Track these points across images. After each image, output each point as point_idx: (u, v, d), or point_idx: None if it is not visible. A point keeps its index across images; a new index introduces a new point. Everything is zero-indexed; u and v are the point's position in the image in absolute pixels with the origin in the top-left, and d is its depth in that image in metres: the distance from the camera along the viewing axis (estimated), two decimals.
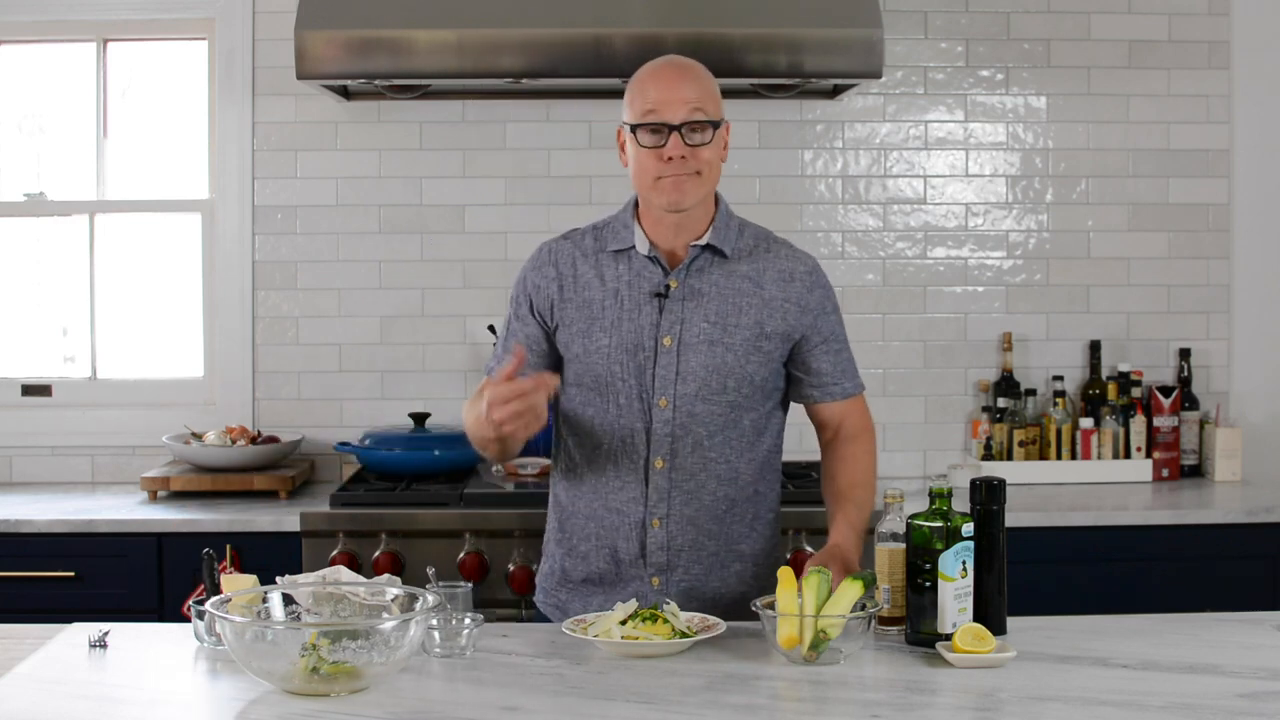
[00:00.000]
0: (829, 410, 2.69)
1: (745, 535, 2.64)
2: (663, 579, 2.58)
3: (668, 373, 2.56)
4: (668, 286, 2.58)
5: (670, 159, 2.50)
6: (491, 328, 4.01)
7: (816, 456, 4.09)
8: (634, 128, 2.53)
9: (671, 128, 2.49)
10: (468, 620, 2.24)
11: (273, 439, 3.97)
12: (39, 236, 4.27)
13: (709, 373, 2.56)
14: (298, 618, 2.20)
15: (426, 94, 3.99)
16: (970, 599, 2.27)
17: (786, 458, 4.08)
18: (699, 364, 2.56)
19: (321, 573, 2.30)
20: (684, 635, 2.25)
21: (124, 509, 3.69)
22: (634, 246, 2.60)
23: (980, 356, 4.19)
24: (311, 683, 2.02)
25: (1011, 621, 2.36)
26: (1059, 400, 4.06)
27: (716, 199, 2.65)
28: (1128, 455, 4.05)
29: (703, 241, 2.59)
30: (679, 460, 2.57)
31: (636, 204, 2.63)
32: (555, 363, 2.67)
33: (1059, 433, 4.04)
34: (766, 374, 2.60)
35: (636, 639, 2.23)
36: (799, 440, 4.14)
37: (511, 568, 3.46)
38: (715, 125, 2.53)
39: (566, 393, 2.66)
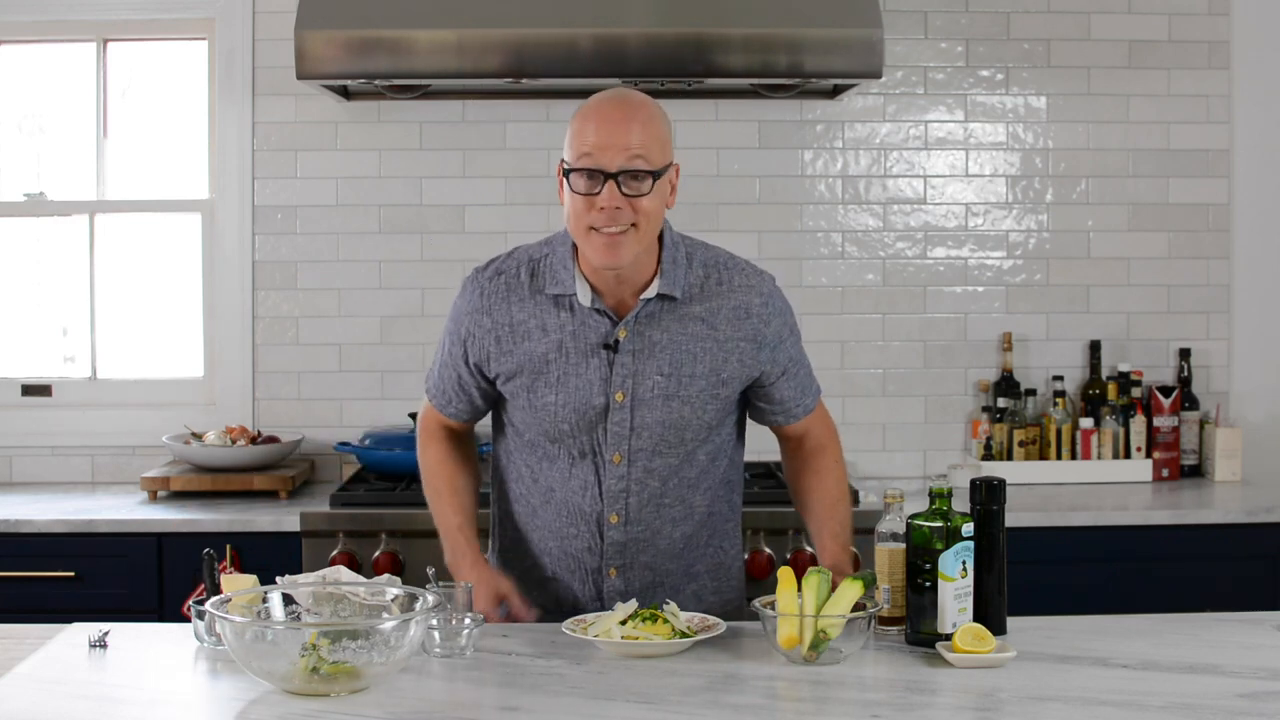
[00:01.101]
0: (792, 428, 2.61)
1: (701, 556, 2.59)
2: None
3: (621, 429, 2.44)
4: (617, 339, 2.42)
5: (603, 209, 2.30)
6: None
7: None
8: (568, 171, 2.34)
9: (608, 175, 2.30)
10: (468, 620, 2.24)
11: (273, 439, 3.97)
12: (39, 236, 4.27)
13: (665, 429, 2.45)
14: (298, 618, 2.20)
15: (426, 94, 3.99)
16: (970, 599, 2.27)
17: (775, 458, 4.11)
18: (654, 420, 2.44)
19: (321, 573, 2.30)
20: (684, 635, 2.25)
21: (124, 509, 3.69)
22: (575, 294, 2.42)
23: (980, 356, 4.19)
24: (311, 683, 2.02)
25: (1011, 621, 2.36)
26: (1059, 400, 4.06)
27: (662, 233, 2.45)
28: (1128, 455, 4.05)
29: (652, 293, 2.41)
30: (634, 514, 2.49)
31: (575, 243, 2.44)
32: (488, 400, 2.57)
33: (1059, 433, 4.04)
34: (726, 415, 2.52)
35: (636, 639, 2.23)
36: None
37: None
38: (656, 175, 2.32)
39: (517, 425, 2.53)
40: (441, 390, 2.61)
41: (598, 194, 2.31)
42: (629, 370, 2.43)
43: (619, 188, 2.31)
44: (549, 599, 2.56)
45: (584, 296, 2.43)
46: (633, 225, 2.33)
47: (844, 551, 2.52)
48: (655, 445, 2.46)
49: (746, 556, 3.47)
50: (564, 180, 2.37)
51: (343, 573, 2.33)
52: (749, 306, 2.47)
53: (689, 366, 2.44)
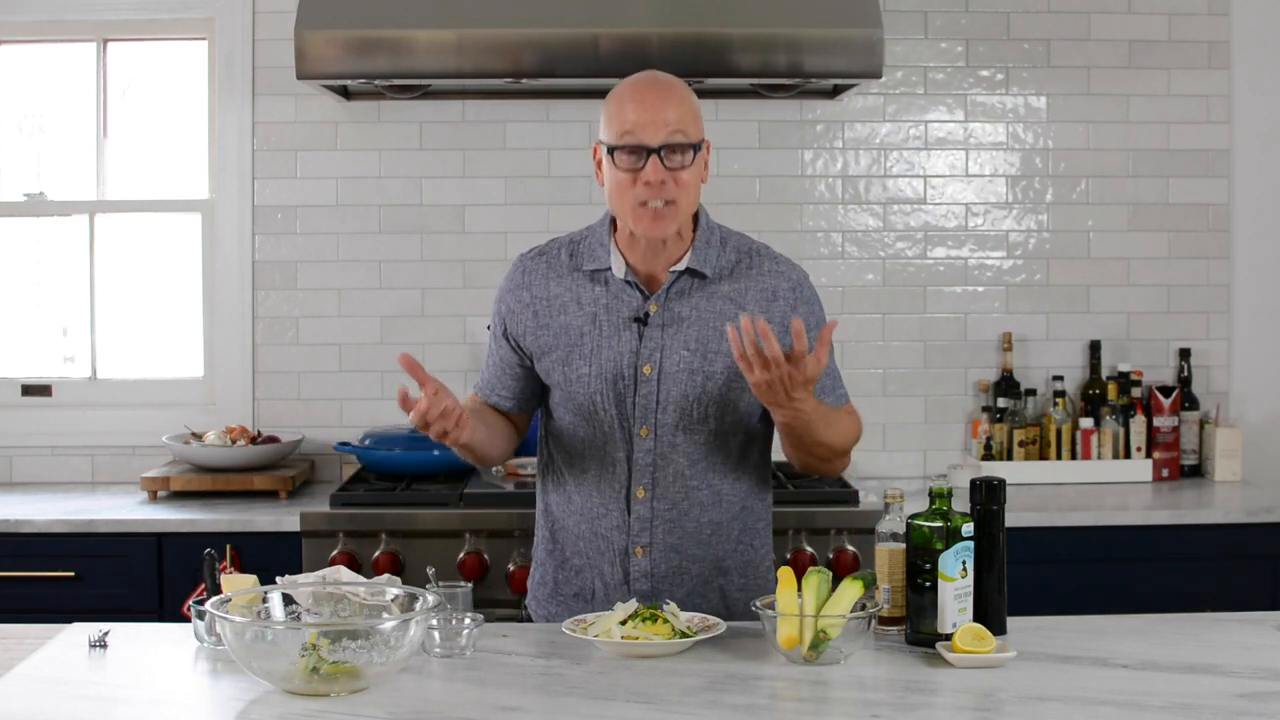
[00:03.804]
0: None
1: (731, 552, 2.60)
2: (646, 603, 2.53)
3: (648, 402, 2.50)
4: (647, 312, 2.51)
5: (649, 183, 2.41)
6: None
7: None
8: (611, 149, 2.44)
9: (650, 150, 2.41)
10: (468, 620, 2.24)
11: (273, 439, 3.97)
12: (39, 236, 4.27)
13: (689, 403, 2.50)
14: (298, 618, 2.20)
15: (426, 94, 3.99)
16: (970, 599, 2.27)
17: (775, 457, 4.11)
18: (679, 394, 2.49)
19: (321, 573, 2.30)
20: (684, 635, 2.25)
21: (124, 509, 3.69)
22: (610, 268, 2.53)
23: (980, 356, 4.19)
24: (311, 683, 2.02)
25: (1011, 621, 2.36)
26: (1059, 400, 4.06)
27: (697, 213, 2.55)
28: (1128, 455, 4.05)
29: (682, 266, 2.51)
30: (660, 490, 2.52)
31: (613, 220, 2.55)
32: (535, 382, 2.62)
33: (1059, 433, 4.04)
34: (752, 399, 2.51)
35: (636, 639, 2.23)
36: None
37: (511, 568, 3.46)
38: (695, 148, 2.44)
39: (554, 412, 2.61)
40: (487, 379, 2.67)
41: (641, 168, 2.41)
42: (657, 344, 2.50)
43: (661, 162, 2.41)
44: (583, 588, 2.60)
45: (618, 269, 2.52)
46: (672, 201, 2.43)
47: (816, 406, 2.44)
48: (679, 420, 2.50)
49: None
50: (606, 160, 2.47)
51: (343, 573, 2.33)
52: (777, 290, 2.54)
53: (715, 343, 2.50)
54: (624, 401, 2.51)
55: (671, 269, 2.51)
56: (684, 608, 2.49)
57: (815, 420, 2.42)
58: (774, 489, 3.63)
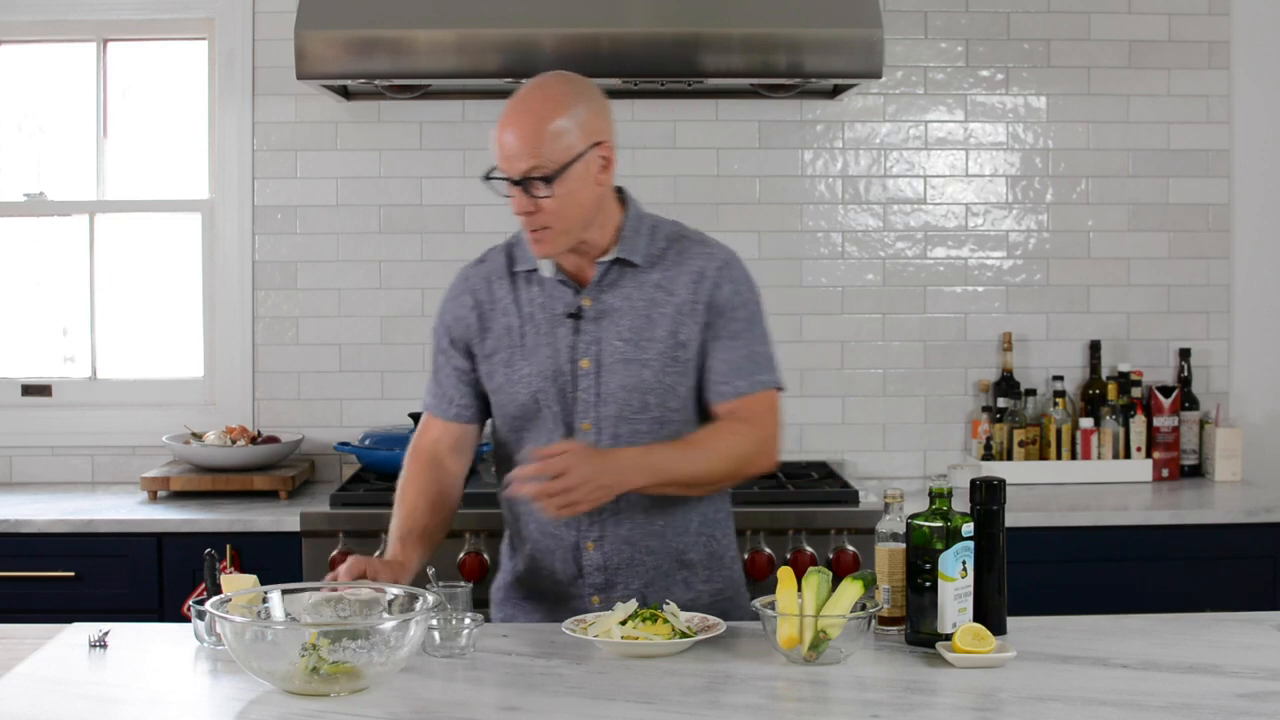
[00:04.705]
0: (718, 409, 2.52)
1: (692, 544, 2.58)
2: (602, 597, 2.55)
3: (589, 396, 2.50)
4: (580, 307, 2.51)
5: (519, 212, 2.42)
6: None
7: (817, 456, 4.15)
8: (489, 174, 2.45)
9: (515, 182, 2.40)
10: (468, 620, 2.24)
11: (273, 439, 3.97)
12: (39, 236, 4.27)
13: (628, 393, 2.49)
14: (298, 618, 2.20)
15: (426, 94, 3.99)
16: (970, 599, 2.27)
17: (786, 457, 4.10)
18: (617, 385, 2.49)
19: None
20: (684, 635, 2.25)
21: (124, 509, 3.69)
22: (538, 269, 2.53)
23: (980, 356, 4.19)
24: (311, 683, 2.02)
25: (1011, 621, 2.36)
26: (1059, 400, 4.06)
27: (625, 202, 2.56)
28: (1128, 455, 4.05)
29: (610, 257, 2.51)
30: None
31: None
32: (480, 395, 2.62)
33: (1059, 433, 4.04)
34: (691, 383, 2.51)
35: (636, 639, 2.23)
36: (799, 440, 4.15)
37: None
38: (553, 177, 2.37)
39: (496, 422, 2.62)
40: (438, 390, 2.66)
41: (512, 199, 2.42)
42: (593, 337, 2.51)
43: (528, 191, 2.40)
44: (535, 588, 2.60)
45: (546, 269, 2.53)
46: (545, 226, 2.42)
47: (646, 455, 2.42)
48: (620, 411, 2.50)
49: (747, 556, 3.47)
50: None
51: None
52: (704, 271, 2.52)
53: (648, 330, 2.50)
54: (565, 397, 2.51)
55: (599, 261, 2.51)
56: (642, 600, 2.49)
57: (658, 474, 2.41)
58: (773, 489, 3.66)
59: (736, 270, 2.55)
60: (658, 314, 2.50)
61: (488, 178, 2.45)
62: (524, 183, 2.40)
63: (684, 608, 2.42)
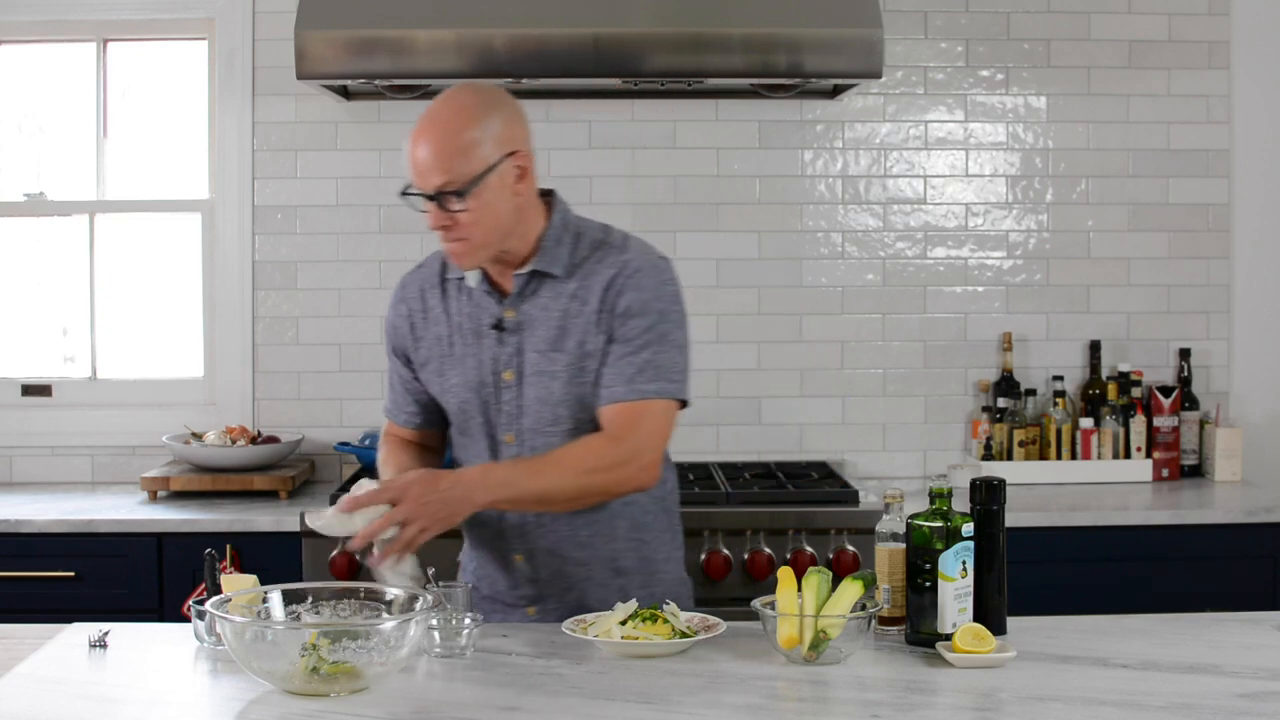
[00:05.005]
0: (600, 414, 2.45)
1: (623, 551, 2.54)
2: (538, 608, 2.55)
3: (511, 408, 2.49)
4: (501, 318, 2.49)
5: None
6: None
7: (817, 456, 4.15)
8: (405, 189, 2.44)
9: (429, 197, 2.39)
10: (468, 620, 2.24)
11: (273, 439, 3.97)
12: (39, 236, 4.27)
13: (541, 405, 2.46)
14: (298, 618, 2.20)
15: (426, 94, 3.98)
16: (970, 599, 2.27)
17: (786, 457, 4.12)
18: (533, 397, 2.47)
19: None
20: (684, 635, 2.25)
21: (124, 509, 3.69)
22: (464, 278, 2.52)
23: (980, 356, 4.19)
24: (311, 683, 2.02)
25: (1011, 621, 2.36)
26: (1059, 400, 4.06)
27: (552, 206, 2.51)
28: (1128, 455, 4.05)
29: (526, 270, 2.47)
30: None
31: None
32: (428, 403, 2.63)
33: (1059, 433, 4.04)
34: (596, 386, 2.46)
35: (636, 639, 2.23)
36: (799, 440, 4.16)
37: None
38: (464, 191, 2.35)
39: (452, 427, 2.62)
40: (393, 396, 2.68)
41: (428, 214, 2.41)
42: (515, 349, 2.49)
43: (441, 207, 2.38)
44: (487, 591, 2.60)
45: (471, 279, 2.52)
46: (462, 238, 2.40)
47: (491, 473, 2.38)
48: (535, 423, 2.48)
49: (747, 556, 3.47)
50: None
51: (364, 484, 2.34)
52: (614, 278, 2.45)
53: (561, 342, 2.46)
54: (489, 409, 2.50)
55: (517, 273, 2.48)
56: (577, 611, 2.47)
57: (500, 489, 2.36)
58: (772, 489, 3.67)
59: (647, 277, 2.46)
60: (571, 324, 2.45)
61: (404, 194, 2.43)
62: (438, 197, 2.37)
63: None
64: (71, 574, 3.53)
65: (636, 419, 2.41)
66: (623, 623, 2.26)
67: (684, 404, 2.49)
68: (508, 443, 2.50)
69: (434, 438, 2.69)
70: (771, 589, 2.28)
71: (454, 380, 2.52)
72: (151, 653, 2.32)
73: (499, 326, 2.49)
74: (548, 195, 2.54)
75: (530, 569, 2.53)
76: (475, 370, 2.50)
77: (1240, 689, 2.06)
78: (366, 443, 3.85)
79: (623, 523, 2.54)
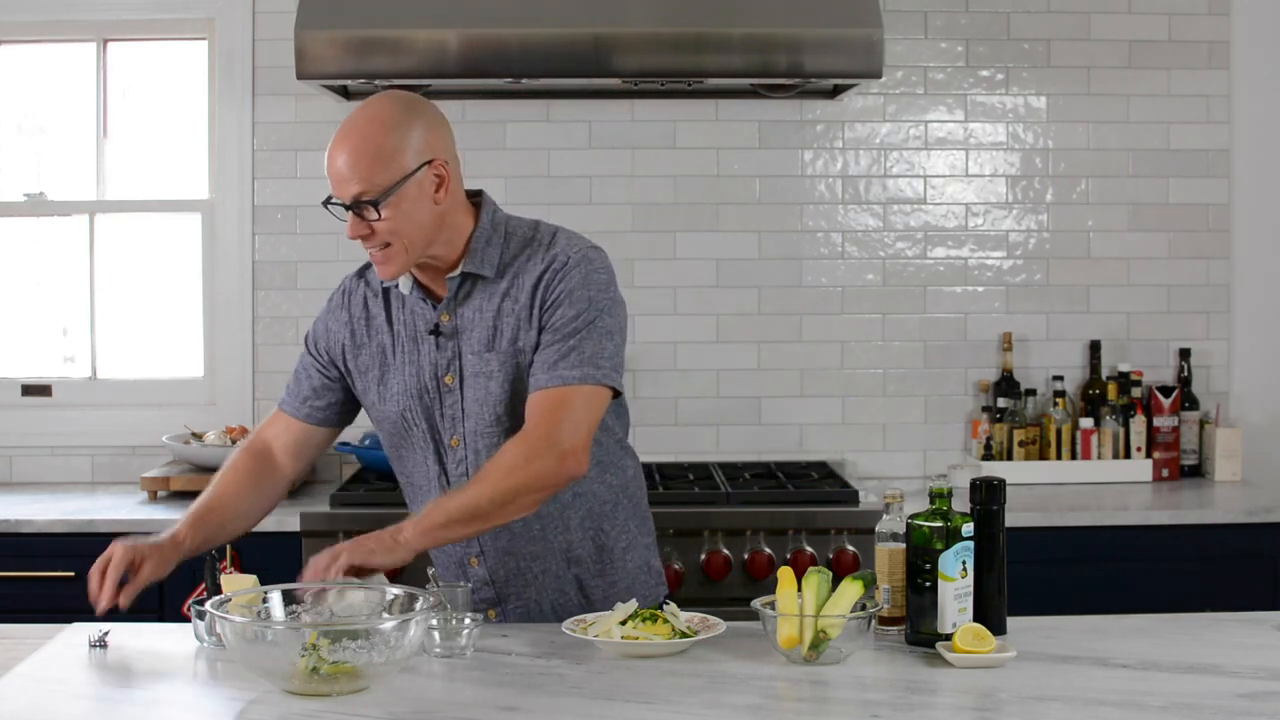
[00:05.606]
0: (528, 403, 2.43)
1: (578, 540, 2.54)
2: (499, 609, 2.55)
3: (454, 411, 2.49)
4: (438, 323, 2.49)
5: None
6: None
7: (817, 456, 4.15)
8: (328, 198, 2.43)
9: (347, 207, 2.38)
10: (468, 620, 2.24)
11: None
12: (39, 236, 4.27)
13: (480, 406, 2.46)
14: (298, 618, 2.20)
15: (426, 94, 3.98)
16: (970, 599, 2.27)
17: (786, 457, 4.12)
18: (473, 399, 2.47)
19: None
20: (684, 635, 2.25)
21: (124, 509, 3.69)
22: (398, 285, 2.52)
23: (980, 356, 4.19)
24: (311, 683, 2.02)
25: (1011, 621, 2.36)
26: (1059, 400, 4.06)
27: (479, 210, 2.50)
28: (1128, 455, 4.05)
29: (457, 273, 2.47)
30: None
31: None
32: (340, 406, 2.62)
33: (1059, 433, 4.04)
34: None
35: (636, 639, 2.23)
36: (799, 440, 4.16)
37: None
38: (379, 201, 2.34)
39: (384, 438, 2.61)
40: (295, 388, 2.65)
41: (347, 223, 2.40)
42: (453, 352, 2.49)
43: (360, 217, 2.37)
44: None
45: (403, 286, 2.52)
46: (385, 245, 2.39)
47: (413, 530, 2.33)
48: (478, 426, 2.48)
49: (747, 556, 3.47)
50: None
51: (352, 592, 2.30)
52: (543, 274, 2.45)
53: (496, 342, 2.46)
54: (432, 414, 2.50)
55: (449, 276, 2.47)
56: (540, 609, 2.49)
57: (430, 519, 2.34)
58: (772, 489, 3.67)
59: (575, 269, 2.44)
60: (504, 324, 2.45)
61: (326, 203, 2.43)
62: (355, 207, 2.36)
63: (580, 610, 2.43)
64: (71, 574, 3.53)
65: (557, 406, 2.38)
66: (623, 623, 2.26)
67: (617, 392, 2.47)
68: (453, 446, 2.50)
69: (316, 439, 2.66)
70: (771, 589, 2.28)
71: (395, 388, 2.52)
72: (151, 653, 2.32)
73: (436, 331, 2.49)
74: (476, 197, 2.53)
75: (486, 571, 2.54)
76: (416, 376, 2.50)
77: (1240, 689, 2.06)
78: (366, 443, 3.85)
79: (575, 514, 2.53)
